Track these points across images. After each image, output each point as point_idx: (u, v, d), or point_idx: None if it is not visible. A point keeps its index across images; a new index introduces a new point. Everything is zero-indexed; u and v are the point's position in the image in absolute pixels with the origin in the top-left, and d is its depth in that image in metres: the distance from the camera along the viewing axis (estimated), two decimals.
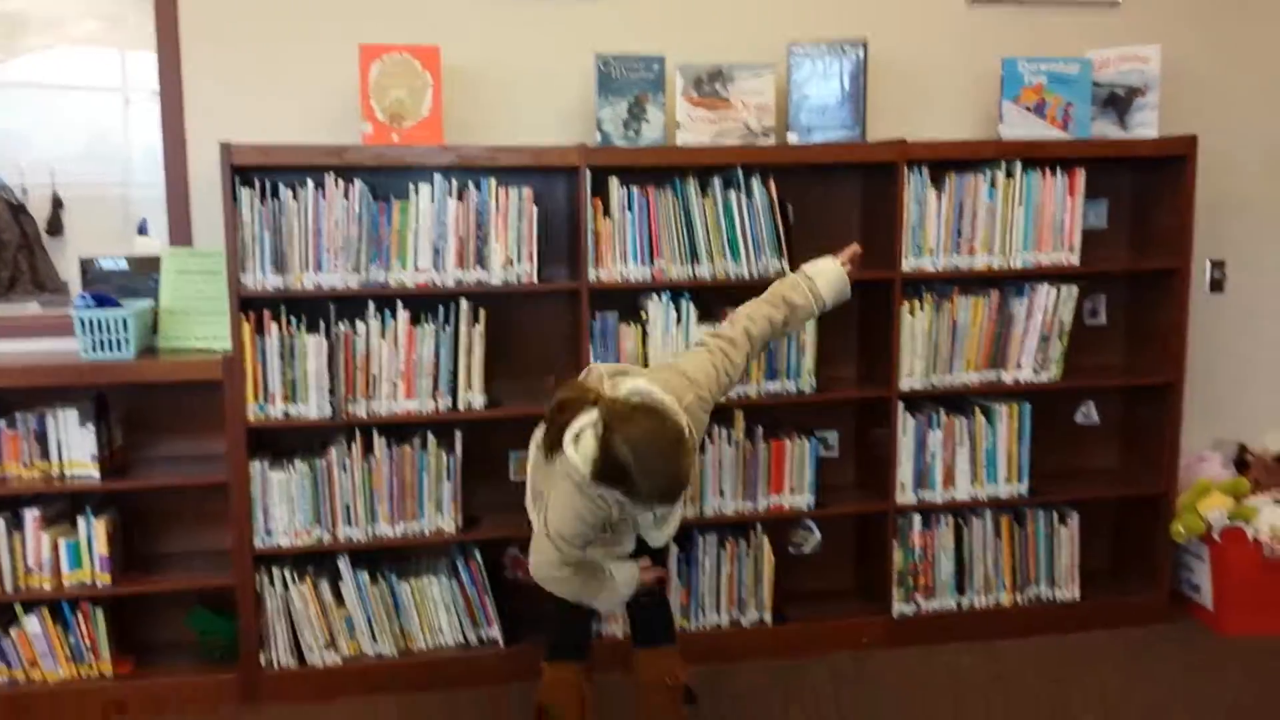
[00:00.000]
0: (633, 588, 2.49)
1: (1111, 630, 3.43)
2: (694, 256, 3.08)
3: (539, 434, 2.54)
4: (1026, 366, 3.32)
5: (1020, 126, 3.25)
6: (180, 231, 3.09)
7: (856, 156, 3.18)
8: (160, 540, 3.17)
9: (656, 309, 3.09)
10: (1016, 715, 2.94)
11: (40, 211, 3.09)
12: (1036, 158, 3.23)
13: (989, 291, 3.27)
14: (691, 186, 3.05)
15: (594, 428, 2.22)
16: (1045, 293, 3.28)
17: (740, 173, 3.08)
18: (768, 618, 3.31)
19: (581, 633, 2.60)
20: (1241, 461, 3.64)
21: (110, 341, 2.88)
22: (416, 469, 3.04)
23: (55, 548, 2.91)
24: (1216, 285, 3.72)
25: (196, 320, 3.05)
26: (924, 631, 3.36)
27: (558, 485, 2.34)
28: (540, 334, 3.26)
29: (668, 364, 2.54)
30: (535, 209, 3.00)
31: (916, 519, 3.34)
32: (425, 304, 3.00)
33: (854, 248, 2.72)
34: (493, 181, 2.96)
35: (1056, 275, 3.31)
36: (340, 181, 2.89)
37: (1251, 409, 3.78)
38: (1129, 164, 3.48)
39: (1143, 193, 3.50)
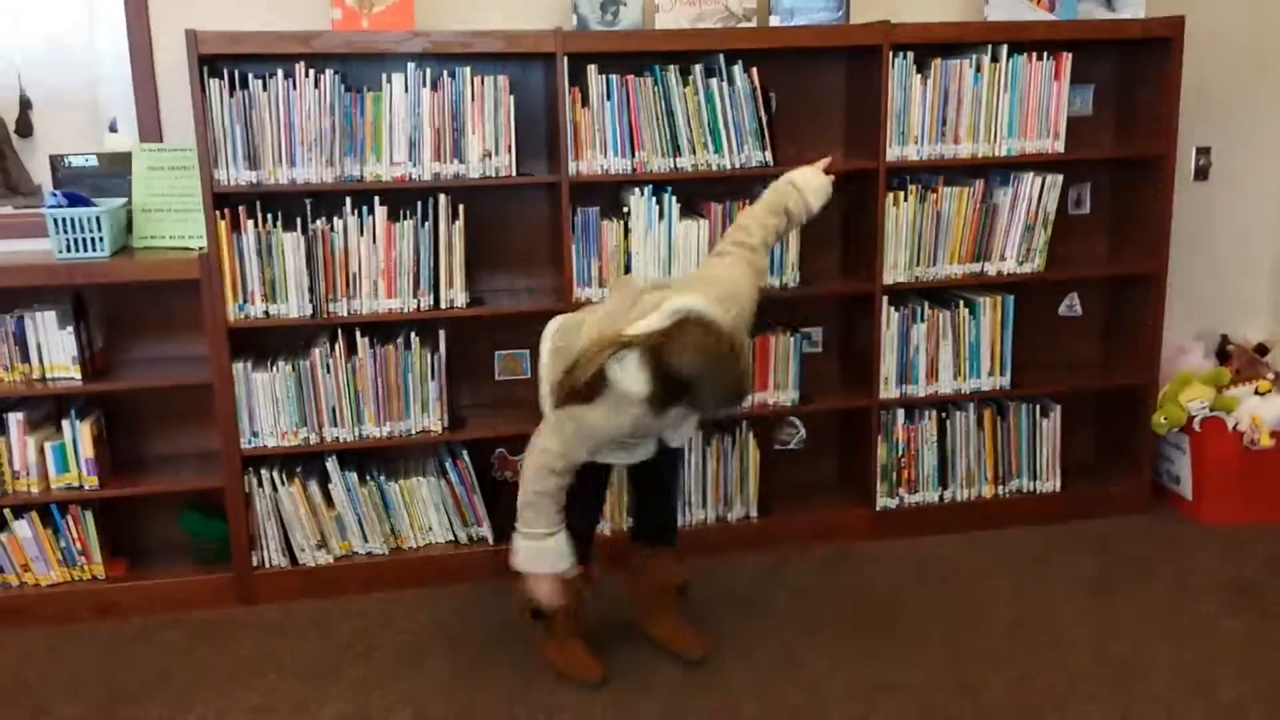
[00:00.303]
0: (555, 569, 2.43)
1: (1092, 520, 3.48)
2: (675, 148, 3.03)
3: (553, 331, 2.52)
4: (1010, 258, 3.31)
5: (1006, 8, 3.20)
6: (150, 127, 3.03)
7: (839, 39, 3.12)
8: (146, 442, 3.17)
9: (638, 203, 3.05)
10: (998, 603, 2.99)
11: (9, 113, 3.02)
12: (1022, 40, 3.17)
13: (973, 182, 3.25)
14: (672, 75, 3.00)
15: (638, 354, 2.19)
16: (1030, 182, 3.25)
17: (722, 60, 3.02)
18: (753, 512, 3.35)
19: (582, 539, 2.58)
20: (1223, 352, 3.66)
21: (84, 241, 2.84)
22: (401, 369, 3.04)
23: (41, 451, 2.91)
24: (1201, 173, 3.69)
25: (171, 218, 3.00)
26: (907, 524, 3.40)
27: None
28: (521, 229, 3.23)
29: (707, 276, 2.47)
30: (512, 99, 2.94)
31: (900, 413, 3.36)
32: (402, 199, 2.96)
33: (829, 158, 2.72)
34: (467, 70, 2.90)
35: (1041, 164, 3.28)
36: (311, 71, 2.83)
37: (1234, 300, 3.79)
38: (1116, 47, 3.43)
39: (1129, 77, 3.45)
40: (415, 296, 2.99)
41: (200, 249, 2.90)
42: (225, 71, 2.81)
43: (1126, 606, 2.96)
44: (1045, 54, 3.20)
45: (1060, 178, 3.27)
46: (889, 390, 3.31)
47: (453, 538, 3.20)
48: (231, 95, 2.80)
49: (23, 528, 2.96)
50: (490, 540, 3.19)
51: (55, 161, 2.98)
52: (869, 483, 3.37)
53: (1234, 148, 3.69)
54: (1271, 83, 3.68)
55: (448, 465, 3.14)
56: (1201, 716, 2.46)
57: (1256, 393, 3.44)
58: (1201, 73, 3.50)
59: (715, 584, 3.10)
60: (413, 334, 3.04)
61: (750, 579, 3.15)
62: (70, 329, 2.86)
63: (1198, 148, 3.65)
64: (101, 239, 2.84)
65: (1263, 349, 3.62)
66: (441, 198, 2.94)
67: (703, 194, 3.18)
